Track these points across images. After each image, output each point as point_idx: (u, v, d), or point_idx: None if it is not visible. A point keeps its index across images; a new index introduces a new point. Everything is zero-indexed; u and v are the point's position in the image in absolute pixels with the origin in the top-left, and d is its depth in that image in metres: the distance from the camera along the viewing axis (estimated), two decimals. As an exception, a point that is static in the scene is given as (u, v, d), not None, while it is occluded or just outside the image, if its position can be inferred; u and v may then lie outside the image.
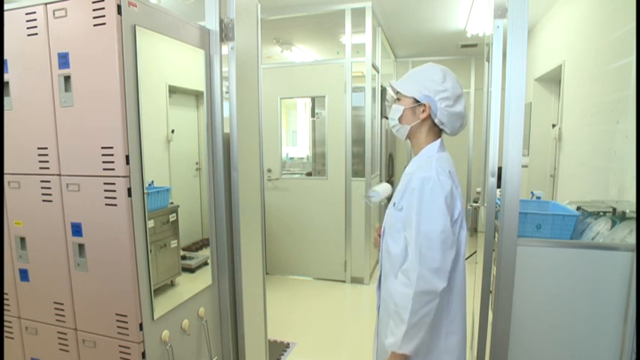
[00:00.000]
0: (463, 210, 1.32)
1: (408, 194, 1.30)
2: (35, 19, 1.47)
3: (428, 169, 1.28)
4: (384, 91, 4.84)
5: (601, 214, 1.74)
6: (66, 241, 1.56)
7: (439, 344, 1.34)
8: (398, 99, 1.40)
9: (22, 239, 1.65)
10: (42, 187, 1.57)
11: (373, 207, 4.36)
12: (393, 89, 1.42)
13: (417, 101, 1.35)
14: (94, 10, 1.36)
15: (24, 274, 1.68)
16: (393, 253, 1.37)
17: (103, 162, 1.44)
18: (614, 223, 1.64)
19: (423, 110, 1.35)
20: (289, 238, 4.37)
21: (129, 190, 1.43)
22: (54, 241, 1.58)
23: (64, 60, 1.45)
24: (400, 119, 1.39)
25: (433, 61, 1.44)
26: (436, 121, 1.36)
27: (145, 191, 1.50)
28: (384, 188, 1.59)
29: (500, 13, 1.54)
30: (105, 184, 1.44)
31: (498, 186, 1.60)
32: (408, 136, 1.41)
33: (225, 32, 1.85)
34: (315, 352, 2.94)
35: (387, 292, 1.42)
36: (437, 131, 1.40)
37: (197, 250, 1.92)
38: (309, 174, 4.99)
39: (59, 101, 1.48)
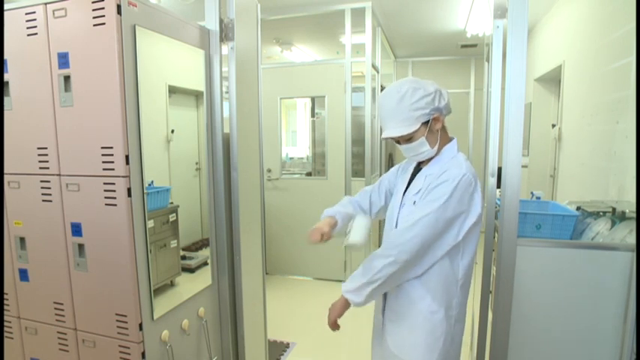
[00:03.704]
0: (483, 209, 1.35)
1: (437, 186, 1.30)
2: (35, 19, 1.47)
3: (459, 167, 1.31)
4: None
5: (601, 214, 1.74)
6: (66, 241, 1.56)
7: (450, 329, 1.39)
8: (409, 139, 1.35)
9: (22, 239, 1.65)
10: (42, 187, 1.57)
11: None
12: (396, 138, 1.35)
13: (426, 121, 1.33)
14: (93, 10, 1.36)
15: (24, 274, 1.68)
16: None
17: (103, 162, 1.44)
18: (613, 223, 1.64)
19: (437, 121, 1.35)
20: (289, 238, 4.37)
21: (129, 190, 1.43)
22: (54, 241, 1.58)
23: (63, 60, 1.45)
24: (431, 146, 1.37)
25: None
26: (444, 116, 1.38)
27: (145, 191, 1.50)
28: (363, 227, 1.44)
29: (500, 13, 1.54)
30: (105, 184, 1.44)
31: (498, 186, 1.60)
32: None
33: (225, 32, 1.85)
34: (315, 352, 2.94)
35: (405, 296, 1.41)
36: (444, 126, 1.42)
37: (197, 250, 1.92)
38: (309, 174, 4.99)
39: (59, 101, 1.48)
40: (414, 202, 1.36)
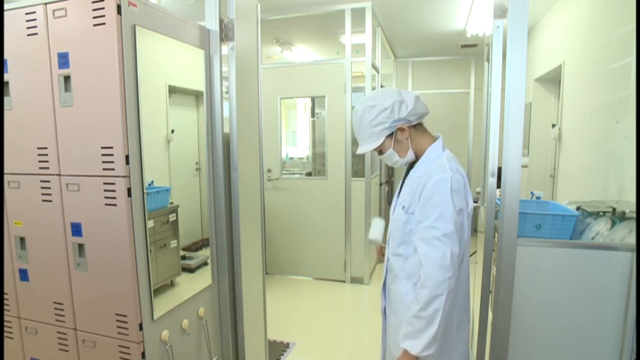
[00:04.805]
0: (472, 206, 1.35)
1: (426, 196, 1.30)
2: (35, 19, 1.47)
3: (442, 170, 1.30)
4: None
5: (601, 214, 1.74)
6: (66, 241, 1.56)
7: (452, 335, 1.37)
8: (380, 151, 1.42)
9: (22, 239, 1.65)
10: (42, 187, 1.57)
11: (373, 208, 4.36)
12: (371, 151, 1.44)
13: (391, 133, 1.37)
14: (93, 10, 1.36)
15: (24, 274, 1.68)
16: (404, 255, 1.38)
17: (103, 162, 1.44)
18: (613, 223, 1.64)
19: (402, 131, 1.37)
20: (289, 238, 4.37)
21: (129, 190, 1.43)
22: (54, 241, 1.58)
23: (63, 60, 1.45)
24: (400, 155, 1.41)
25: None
26: (415, 121, 1.39)
27: (145, 191, 1.50)
28: (378, 227, 1.60)
29: (500, 13, 1.54)
30: (105, 184, 1.44)
31: (498, 186, 1.60)
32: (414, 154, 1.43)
33: (225, 32, 1.85)
34: (315, 352, 2.94)
35: (396, 294, 1.43)
36: (422, 128, 1.43)
37: (197, 250, 1.92)
38: (309, 174, 4.99)
39: (59, 101, 1.48)
40: (403, 207, 1.38)
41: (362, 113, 1.37)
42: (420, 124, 1.42)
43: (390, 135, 1.37)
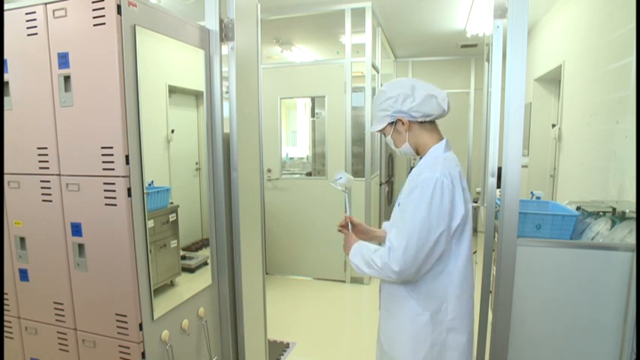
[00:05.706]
0: (470, 211, 1.32)
1: (409, 191, 1.31)
2: (35, 19, 1.47)
3: (433, 170, 1.30)
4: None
5: (601, 214, 1.74)
6: (66, 241, 1.56)
7: (440, 338, 1.35)
8: (384, 134, 1.47)
9: (22, 239, 1.65)
10: (42, 187, 1.57)
11: (373, 206, 4.36)
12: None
13: (393, 122, 1.41)
14: (93, 10, 1.36)
15: (24, 274, 1.68)
16: None
17: (103, 162, 1.44)
18: (613, 223, 1.64)
19: (402, 123, 1.39)
20: (289, 238, 4.37)
21: (129, 190, 1.43)
22: (54, 241, 1.58)
23: (63, 60, 1.45)
24: (396, 145, 1.45)
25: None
26: (420, 118, 1.38)
27: (145, 191, 1.50)
28: (348, 177, 1.70)
29: (500, 13, 1.54)
30: (105, 184, 1.44)
31: (498, 186, 1.60)
32: (415, 150, 1.43)
33: (225, 32, 1.85)
34: (315, 352, 2.94)
35: (388, 289, 1.44)
36: (431, 127, 1.41)
37: (197, 250, 1.92)
38: (309, 174, 4.99)
39: (59, 101, 1.48)
40: (399, 204, 1.38)
41: (376, 95, 1.45)
42: (430, 122, 1.40)
43: (392, 123, 1.41)
